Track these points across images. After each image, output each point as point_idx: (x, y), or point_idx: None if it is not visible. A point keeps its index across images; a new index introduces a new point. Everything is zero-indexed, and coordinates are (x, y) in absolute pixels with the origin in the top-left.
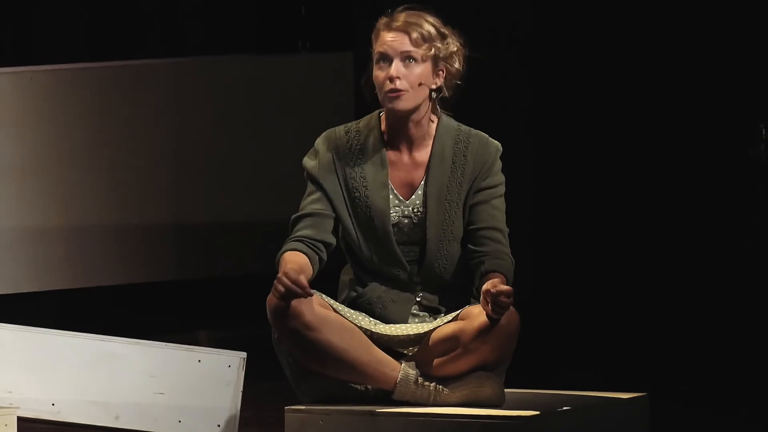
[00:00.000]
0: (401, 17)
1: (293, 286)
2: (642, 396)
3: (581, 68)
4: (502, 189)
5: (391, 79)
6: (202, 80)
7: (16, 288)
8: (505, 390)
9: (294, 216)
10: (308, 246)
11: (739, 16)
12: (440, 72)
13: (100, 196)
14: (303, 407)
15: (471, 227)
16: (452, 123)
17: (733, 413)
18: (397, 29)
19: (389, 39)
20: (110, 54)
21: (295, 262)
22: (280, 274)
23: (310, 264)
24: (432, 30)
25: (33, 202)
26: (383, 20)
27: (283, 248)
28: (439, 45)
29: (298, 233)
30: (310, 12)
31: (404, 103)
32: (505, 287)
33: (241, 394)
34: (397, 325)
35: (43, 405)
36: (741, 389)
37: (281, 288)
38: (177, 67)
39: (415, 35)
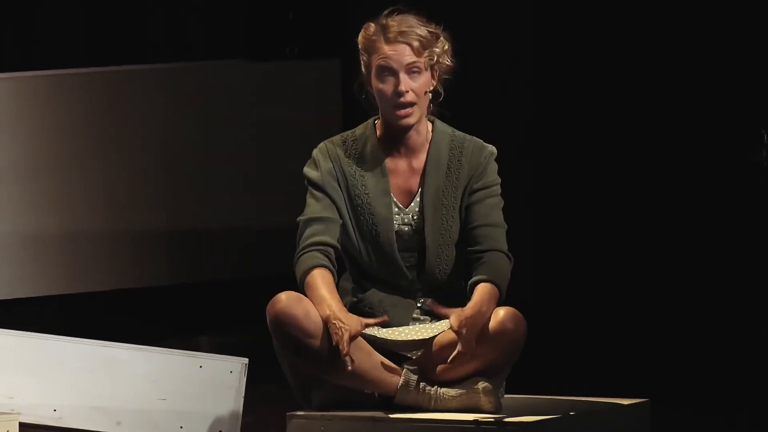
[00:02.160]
0: (394, 26)
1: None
2: (643, 401)
3: (582, 73)
4: (497, 189)
5: (400, 94)
6: (193, 86)
7: (13, 293)
8: (506, 395)
9: (304, 219)
10: (327, 257)
11: (741, 22)
12: (435, 72)
13: (97, 200)
14: (304, 413)
15: (468, 227)
16: (447, 129)
17: (734, 418)
18: (395, 40)
19: (391, 52)
20: (106, 60)
21: (331, 288)
22: (341, 324)
23: (334, 281)
24: (427, 33)
25: (30, 206)
26: (372, 29)
27: (305, 259)
28: (436, 48)
29: (315, 239)
30: (298, 18)
31: (414, 118)
32: (463, 348)
33: (242, 399)
34: (400, 329)
35: (45, 410)
36: (743, 394)
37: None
38: (169, 72)
39: (416, 44)
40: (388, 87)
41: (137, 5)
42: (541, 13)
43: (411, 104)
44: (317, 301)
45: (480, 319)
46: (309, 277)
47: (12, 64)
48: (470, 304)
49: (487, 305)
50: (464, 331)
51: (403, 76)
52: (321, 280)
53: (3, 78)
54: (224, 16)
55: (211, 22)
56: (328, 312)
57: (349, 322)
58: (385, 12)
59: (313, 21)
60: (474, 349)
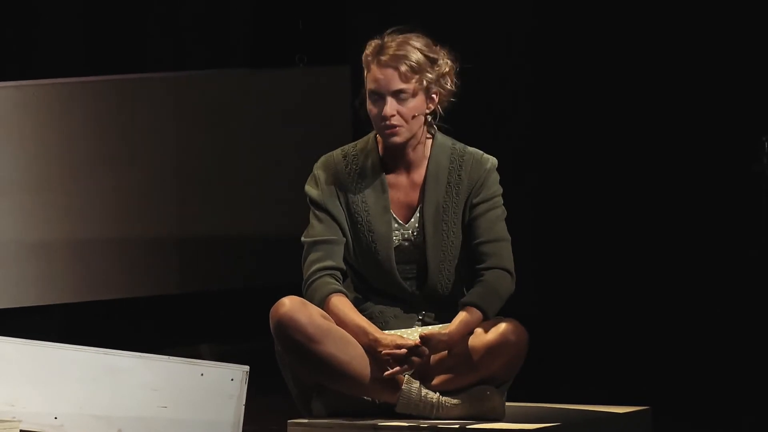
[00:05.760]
0: (390, 48)
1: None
2: (645, 410)
3: (585, 81)
4: (498, 201)
5: (385, 117)
6: (202, 94)
7: (19, 302)
8: (508, 404)
9: (309, 241)
10: (337, 281)
11: (744, 33)
12: (434, 96)
13: (102, 209)
14: (306, 420)
15: (472, 242)
16: (447, 141)
17: (737, 428)
18: (386, 65)
19: (379, 76)
20: (110, 68)
21: (358, 313)
22: (386, 348)
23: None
24: (420, 58)
25: (36, 215)
26: (371, 48)
27: (318, 286)
28: (429, 73)
29: (323, 264)
30: (308, 26)
31: (400, 138)
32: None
33: (243, 407)
34: (400, 332)
35: (46, 418)
36: (745, 403)
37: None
38: (178, 81)
39: (403, 68)
40: (375, 109)
41: (144, 13)
42: (542, 23)
43: (395, 126)
44: (352, 327)
45: (447, 344)
46: (331, 304)
47: (17, 73)
48: (446, 329)
49: (461, 333)
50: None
51: (389, 100)
52: (346, 306)
53: (10, 86)
54: (233, 25)
55: (219, 30)
56: (377, 339)
57: (394, 340)
58: (389, 30)
59: (321, 29)
60: (477, 362)
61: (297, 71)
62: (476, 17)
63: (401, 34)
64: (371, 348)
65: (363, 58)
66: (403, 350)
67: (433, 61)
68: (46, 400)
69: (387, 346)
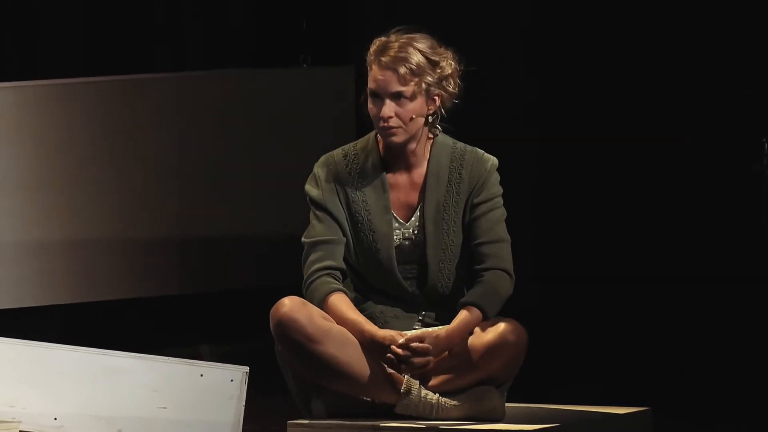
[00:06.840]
0: (392, 48)
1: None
2: (644, 410)
3: (584, 80)
4: (498, 201)
5: (383, 118)
6: (205, 94)
7: (19, 302)
8: (507, 404)
9: (309, 241)
10: (337, 280)
11: (745, 33)
12: (435, 98)
13: (102, 210)
14: (306, 421)
15: (472, 243)
16: (447, 141)
17: (737, 429)
18: (386, 66)
19: (379, 77)
20: (111, 68)
21: (357, 311)
22: (387, 345)
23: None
24: (421, 61)
25: (36, 216)
26: (375, 47)
27: (318, 285)
28: (430, 77)
29: (323, 263)
30: (311, 26)
31: (398, 138)
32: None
33: (243, 408)
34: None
35: (46, 419)
36: (745, 403)
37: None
38: (180, 81)
39: (402, 71)
40: (374, 110)
41: (145, 13)
42: (542, 24)
43: (393, 127)
44: (350, 325)
45: (448, 343)
46: (330, 303)
47: (17, 73)
48: (446, 328)
49: (461, 332)
50: (429, 349)
51: (388, 102)
52: (344, 304)
53: (10, 86)
54: (236, 25)
55: (222, 30)
56: (373, 335)
57: (392, 336)
58: (394, 29)
59: (325, 29)
60: (477, 362)
61: (300, 71)
62: (478, 19)
63: (408, 33)
64: (368, 345)
65: (367, 57)
66: (406, 352)
67: (434, 64)
68: (45, 401)
69: (383, 344)
